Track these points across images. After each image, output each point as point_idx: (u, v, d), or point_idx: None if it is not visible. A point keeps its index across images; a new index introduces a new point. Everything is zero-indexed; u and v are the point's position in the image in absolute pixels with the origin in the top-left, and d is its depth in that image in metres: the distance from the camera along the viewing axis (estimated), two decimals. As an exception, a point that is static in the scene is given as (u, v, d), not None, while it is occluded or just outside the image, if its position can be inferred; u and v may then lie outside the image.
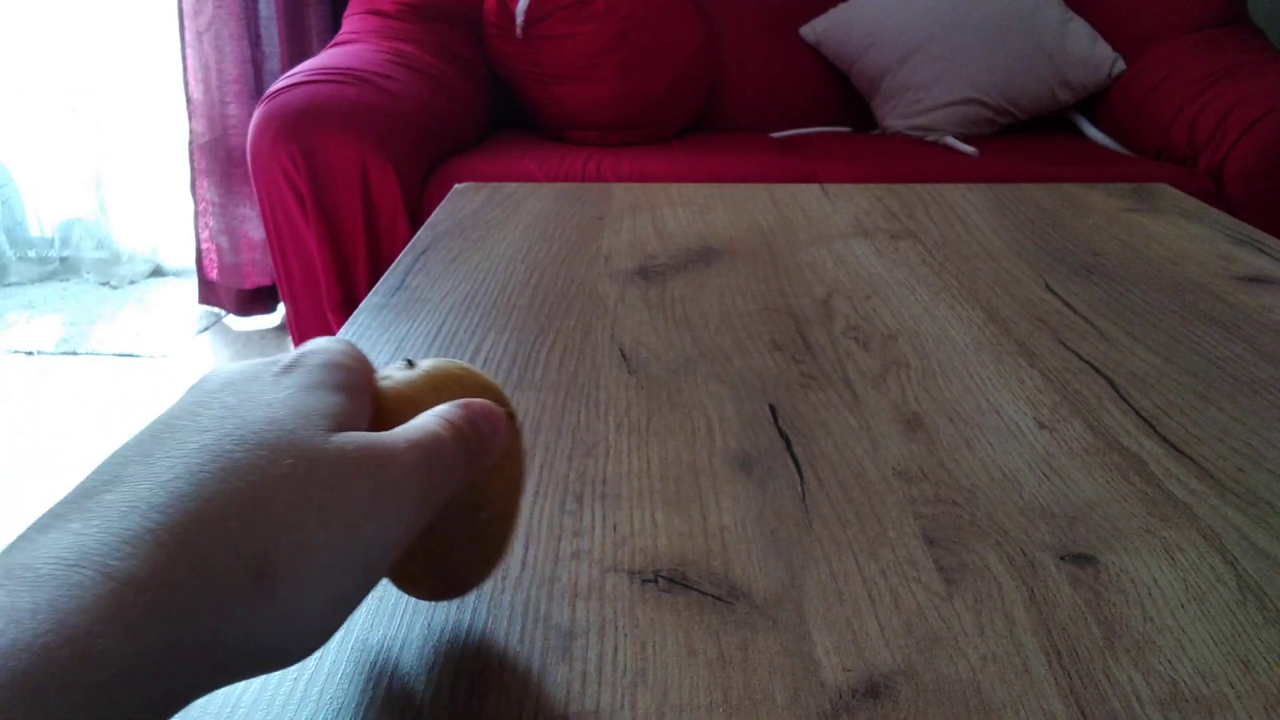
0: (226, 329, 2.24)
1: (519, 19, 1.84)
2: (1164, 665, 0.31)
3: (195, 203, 2.18)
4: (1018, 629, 0.33)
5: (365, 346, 0.55)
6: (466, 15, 1.96)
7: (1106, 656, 0.32)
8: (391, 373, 0.31)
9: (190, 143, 2.14)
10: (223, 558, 0.22)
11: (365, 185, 1.55)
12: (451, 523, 0.29)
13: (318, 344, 0.30)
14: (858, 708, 0.29)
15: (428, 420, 0.28)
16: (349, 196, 1.55)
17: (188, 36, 2.08)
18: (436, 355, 0.53)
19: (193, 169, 2.15)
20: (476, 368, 0.32)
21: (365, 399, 0.29)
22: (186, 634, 0.21)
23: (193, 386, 0.28)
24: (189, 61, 2.10)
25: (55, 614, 0.19)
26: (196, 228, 2.19)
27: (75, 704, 0.19)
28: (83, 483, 0.24)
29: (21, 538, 0.22)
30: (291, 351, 0.29)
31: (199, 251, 2.21)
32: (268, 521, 0.23)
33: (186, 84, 2.11)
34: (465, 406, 0.29)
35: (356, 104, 1.56)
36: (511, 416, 0.31)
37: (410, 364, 0.31)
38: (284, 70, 2.07)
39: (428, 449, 0.27)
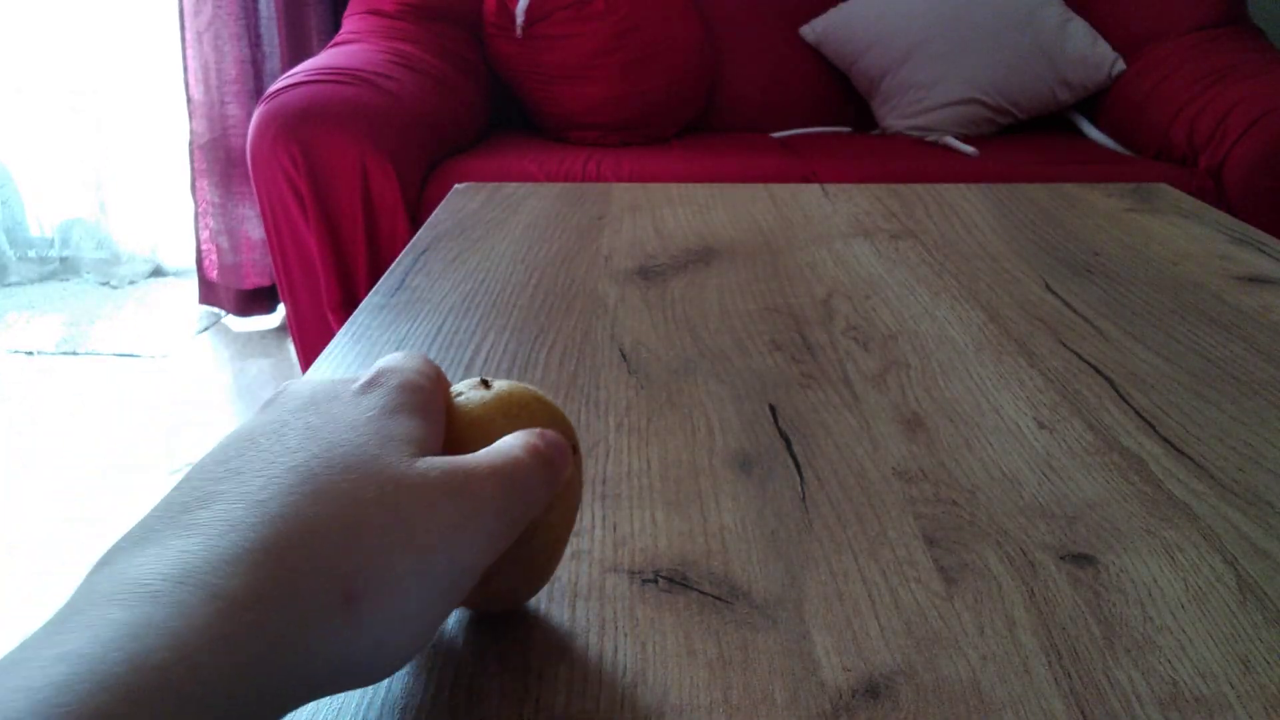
0: (226, 329, 2.24)
1: (519, 19, 1.84)
2: (1164, 665, 0.31)
3: (195, 203, 2.18)
4: (1018, 629, 0.33)
5: (365, 346, 0.55)
6: (466, 15, 1.96)
7: (1106, 656, 0.32)
8: (465, 389, 0.31)
9: (190, 143, 2.14)
10: (314, 579, 0.23)
11: (365, 185, 1.55)
12: None
13: (395, 362, 0.30)
14: (858, 708, 0.29)
15: (511, 445, 0.28)
16: (349, 196, 1.55)
17: (187, 36, 2.09)
18: (438, 356, 0.53)
19: (193, 169, 2.15)
20: (546, 395, 0.32)
21: (440, 420, 0.29)
22: (282, 652, 0.22)
23: (270, 403, 0.29)
24: (189, 61, 2.10)
25: (169, 630, 0.20)
26: (196, 228, 2.20)
27: (187, 719, 0.20)
28: (171, 497, 0.25)
29: (118, 550, 0.23)
30: (369, 369, 0.30)
31: (199, 251, 2.21)
32: (357, 546, 0.24)
33: (186, 84, 2.11)
34: (542, 435, 0.29)
35: (356, 104, 1.56)
36: (575, 449, 0.31)
37: (485, 384, 0.31)
38: (284, 70, 2.07)
39: (511, 474, 0.27)
